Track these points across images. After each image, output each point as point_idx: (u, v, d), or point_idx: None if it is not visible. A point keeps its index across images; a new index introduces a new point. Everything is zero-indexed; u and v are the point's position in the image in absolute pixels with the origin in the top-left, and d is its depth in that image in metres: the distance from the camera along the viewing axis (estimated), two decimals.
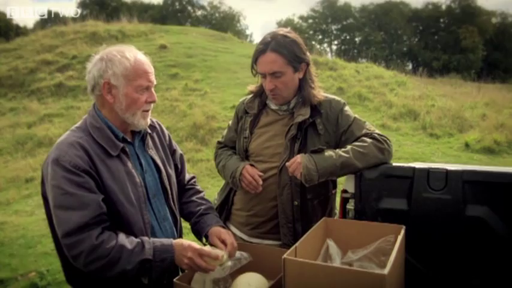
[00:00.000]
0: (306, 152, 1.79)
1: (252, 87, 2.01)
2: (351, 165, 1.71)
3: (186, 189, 1.88)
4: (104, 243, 1.36)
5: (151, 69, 1.55)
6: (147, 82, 1.52)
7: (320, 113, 1.85)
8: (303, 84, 1.86)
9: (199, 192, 1.89)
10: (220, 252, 1.49)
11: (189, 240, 1.49)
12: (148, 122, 1.61)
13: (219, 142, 2.20)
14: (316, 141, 1.82)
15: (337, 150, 1.75)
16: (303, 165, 1.70)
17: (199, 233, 1.73)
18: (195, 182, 1.94)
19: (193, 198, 1.84)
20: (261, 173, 1.85)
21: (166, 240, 1.47)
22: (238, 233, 1.99)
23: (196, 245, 1.47)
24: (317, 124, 1.83)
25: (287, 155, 1.83)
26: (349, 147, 1.76)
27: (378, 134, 1.81)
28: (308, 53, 1.86)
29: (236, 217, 2.01)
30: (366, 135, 1.81)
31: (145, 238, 1.45)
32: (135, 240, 1.43)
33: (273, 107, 1.94)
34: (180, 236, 1.75)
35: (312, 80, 1.88)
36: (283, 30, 1.83)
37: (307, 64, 1.86)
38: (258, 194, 1.88)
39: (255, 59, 1.82)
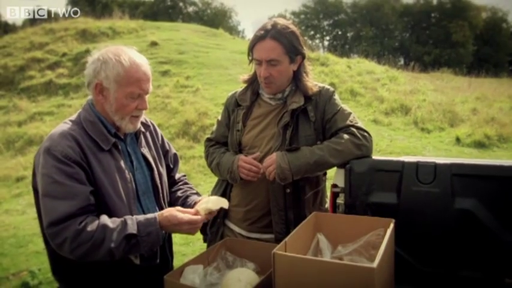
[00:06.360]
0: (298, 138, 1.81)
1: (245, 76, 2.01)
2: (326, 163, 1.74)
3: (176, 182, 1.87)
4: (86, 226, 1.34)
5: (146, 76, 1.52)
6: (138, 90, 1.50)
7: (311, 100, 1.86)
8: (298, 76, 1.88)
9: (188, 184, 1.89)
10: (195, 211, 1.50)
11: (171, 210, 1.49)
12: (137, 126, 1.60)
13: (209, 139, 2.16)
14: (307, 128, 1.84)
15: (313, 147, 1.77)
16: (276, 165, 1.71)
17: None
18: (185, 178, 1.93)
19: (181, 186, 1.85)
20: (256, 155, 1.84)
21: (150, 215, 1.46)
22: (237, 229, 1.98)
23: (178, 213, 1.46)
24: (308, 111, 1.85)
25: (279, 142, 1.83)
26: (325, 144, 1.77)
27: (358, 129, 1.80)
28: (305, 47, 1.86)
29: (234, 214, 2.00)
30: (347, 127, 1.81)
31: (128, 216, 1.44)
32: (118, 219, 1.41)
33: (266, 96, 1.93)
34: (169, 236, 1.73)
35: (307, 73, 1.90)
36: (284, 21, 1.83)
37: (303, 57, 1.87)
38: (254, 188, 1.87)
39: (253, 45, 1.82)
